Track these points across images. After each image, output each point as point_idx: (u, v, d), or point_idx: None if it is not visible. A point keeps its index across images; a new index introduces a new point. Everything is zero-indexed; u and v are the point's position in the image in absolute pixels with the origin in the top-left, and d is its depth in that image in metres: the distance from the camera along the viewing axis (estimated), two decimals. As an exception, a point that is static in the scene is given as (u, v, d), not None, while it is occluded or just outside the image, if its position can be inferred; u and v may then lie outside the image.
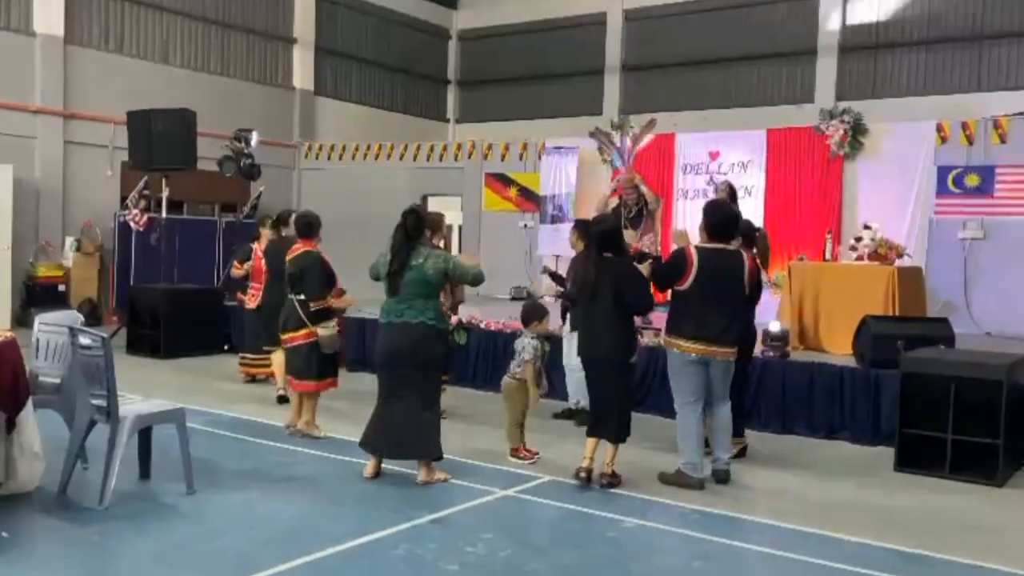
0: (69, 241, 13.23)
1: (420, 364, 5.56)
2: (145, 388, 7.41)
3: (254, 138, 12.02)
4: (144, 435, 5.47)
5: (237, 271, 9.10)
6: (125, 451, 5.05)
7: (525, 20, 18.75)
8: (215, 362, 10.34)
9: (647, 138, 11.79)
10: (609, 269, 5.64)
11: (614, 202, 9.68)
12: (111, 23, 14.09)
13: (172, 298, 10.94)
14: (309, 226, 6.89)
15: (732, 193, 8.78)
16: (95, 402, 5.05)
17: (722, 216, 5.93)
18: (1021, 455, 6.39)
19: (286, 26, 16.84)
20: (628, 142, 11.77)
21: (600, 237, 5.74)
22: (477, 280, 5.81)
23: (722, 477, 5.79)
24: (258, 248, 8.84)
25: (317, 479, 5.78)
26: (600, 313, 5.62)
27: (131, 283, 12.74)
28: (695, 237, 6.11)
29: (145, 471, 5.52)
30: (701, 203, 9.40)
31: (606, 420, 5.67)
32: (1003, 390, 5.97)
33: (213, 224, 14.78)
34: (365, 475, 5.66)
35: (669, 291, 5.96)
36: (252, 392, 8.60)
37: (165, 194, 11.43)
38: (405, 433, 5.56)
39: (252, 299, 8.83)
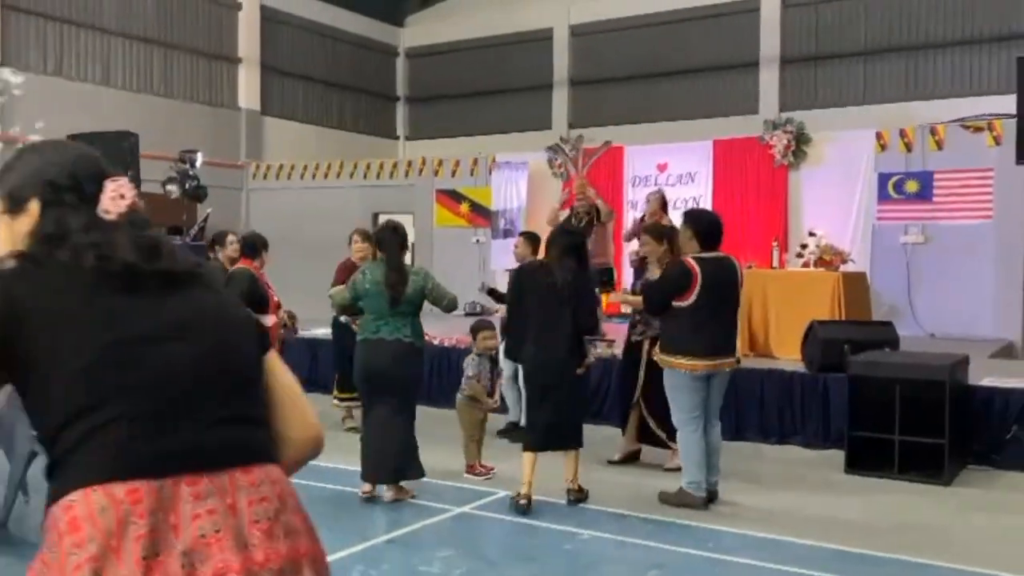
0: (10, 268, 12.90)
1: (396, 382, 5.48)
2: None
3: (199, 159, 11.86)
4: (89, 464, 5.34)
5: None
6: (68, 481, 4.92)
7: (472, 36, 18.79)
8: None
9: (598, 154, 11.86)
10: (577, 281, 5.58)
11: (564, 213, 9.70)
12: (49, 45, 13.83)
13: (118, 323, 10.69)
14: (251, 247, 6.84)
15: (663, 203, 8.86)
16: (35, 432, 4.90)
17: (713, 219, 5.78)
18: (967, 454, 6.53)
19: (230, 45, 16.67)
20: (581, 157, 11.79)
21: (577, 248, 5.66)
22: (451, 307, 5.77)
23: (709, 497, 5.60)
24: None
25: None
26: (562, 322, 5.51)
27: (75, 309, 12.45)
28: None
29: (90, 501, 5.39)
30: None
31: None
32: (946, 390, 6.10)
33: (159, 247, 14.52)
34: (362, 495, 5.57)
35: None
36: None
37: (108, 218, 11.21)
38: (396, 457, 5.50)
39: None
